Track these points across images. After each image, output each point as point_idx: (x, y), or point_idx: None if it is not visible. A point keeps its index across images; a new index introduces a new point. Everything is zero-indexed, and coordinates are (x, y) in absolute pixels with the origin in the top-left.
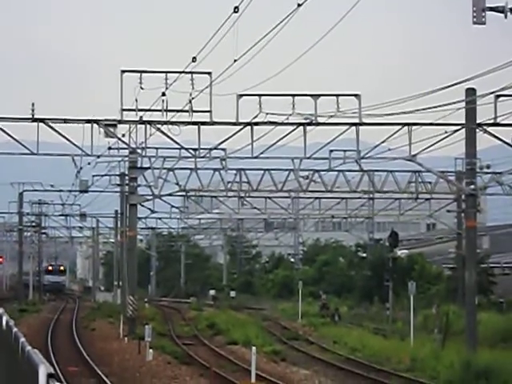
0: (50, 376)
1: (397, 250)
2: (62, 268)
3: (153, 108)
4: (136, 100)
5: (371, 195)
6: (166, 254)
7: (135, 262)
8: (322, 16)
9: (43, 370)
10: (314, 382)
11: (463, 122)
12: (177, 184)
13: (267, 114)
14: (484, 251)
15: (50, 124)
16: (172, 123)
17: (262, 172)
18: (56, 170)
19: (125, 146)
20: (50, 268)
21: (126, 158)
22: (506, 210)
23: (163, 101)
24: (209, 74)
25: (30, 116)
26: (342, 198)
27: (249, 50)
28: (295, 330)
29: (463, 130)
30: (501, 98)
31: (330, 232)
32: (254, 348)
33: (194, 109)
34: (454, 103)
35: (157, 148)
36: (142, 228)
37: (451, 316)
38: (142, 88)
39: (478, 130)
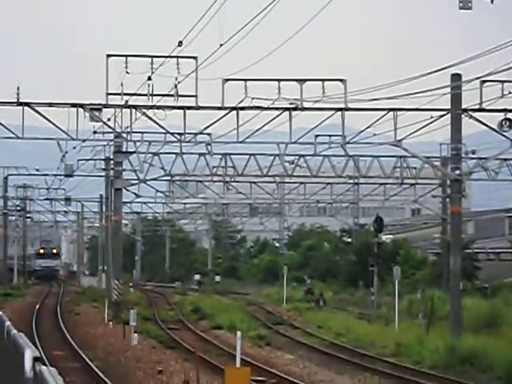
0: (35, 359)
1: (382, 235)
2: (54, 251)
3: (138, 92)
4: (121, 84)
5: (356, 180)
6: (150, 239)
7: (120, 246)
8: (309, 1)
9: (29, 353)
10: (299, 367)
11: (449, 107)
12: (162, 168)
13: (253, 98)
14: (469, 236)
15: (36, 108)
16: (157, 108)
17: (248, 157)
18: (41, 154)
19: (110, 130)
20: (42, 251)
21: (112, 143)
22: (491, 195)
23: (149, 85)
24: (194, 58)
25: (15, 100)
26: (327, 183)
27: (235, 35)
28: (280, 314)
29: (449, 115)
30: (486, 84)
31: (315, 217)
32: (238, 332)
33: (180, 93)
34: (440, 88)
35: (142, 132)
36: (127, 212)
37: (436, 301)
38: (127, 72)
39: (463, 116)
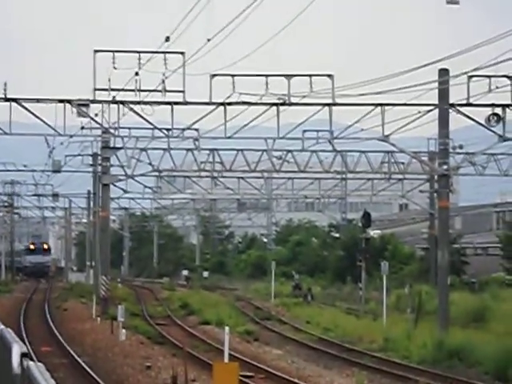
0: (23, 355)
1: (369, 231)
2: (45, 246)
3: (126, 88)
4: (109, 80)
5: (344, 175)
6: (138, 235)
7: (108, 242)
8: None
9: (17, 349)
10: (287, 362)
11: (436, 102)
12: (150, 164)
13: (240, 94)
14: (456, 231)
15: (23, 104)
16: (145, 103)
17: (235, 152)
18: (28, 150)
19: (97, 125)
20: (32, 247)
21: (99, 138)
22: (479, 190)
23: (136, 81)
24: (182, 53)
25: (3, 96)
26: (315, 179)
27: (222, 30)
28: (268, 310)
29: (436, 110)
30: (474, 79)
31: (302, 212)
32: (227, 328)
33: (167, 89)
34: (427, 83)
35: (130, 128)
36: (115, 208)
37: (424, 296)
38: (114, 68)
39: (450, 111)
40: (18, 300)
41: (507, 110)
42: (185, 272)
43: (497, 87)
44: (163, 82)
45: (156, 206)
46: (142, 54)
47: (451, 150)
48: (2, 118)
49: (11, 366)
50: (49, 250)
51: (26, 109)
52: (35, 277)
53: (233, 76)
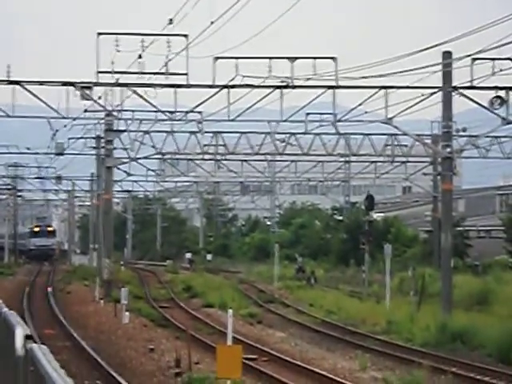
0: (27, 337)
1: (373, 213)
2: (50, 229)
3: (129, 70)
4: (112, 62)
5: (347, 158)
6: (142, 217)
7: (111, 224)
8: None
9: (20, 331)
10: (290, 344)
11: (440, 85)
12: (153, 147)
13: (244, 76)
14: (459, 214)
15: (26, 86)
16: (148, 86)
17: (239, 135)
18: (32, 133)
19: (101, 108)
20: (37, 229)
21: (102, 121)
22: (482, 173)
23: (139, 63)
24: (185, 36)
25: (6, 78)
26: (319, 161)
27: (226, 12)
28: (271, 292)
29: (439, 93)
30: (477, 61)
31: (306, 195)
32: (230, 310)
33: (171, 71)
34: (431, 66)
35: (133, 111)
36: (118, 191)
37: (427, 279)
38: (118, 50)
39: (454, 93)
40: (21, 283)
41: (511, 92)
42: (188, 255)
43: (500, 70)
44: (166, 64)
45: (159, 188)
46: (145, 37)
47: (454, 133)
48: (5, 100)
49: (14, 348)
50: (54, 232)
51: (29, 91)
52: (40, 260)
53: (236, 59)
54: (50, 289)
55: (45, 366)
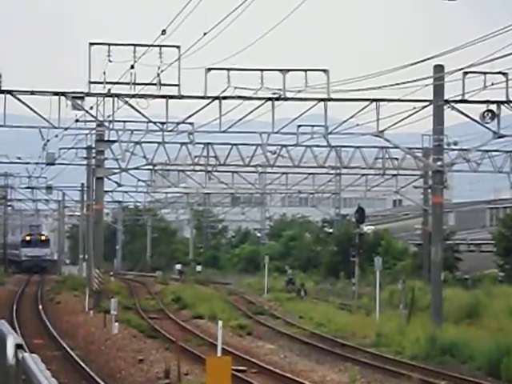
0: (18, 347)
1: (363, 226)
2: (43, 238)
3: (121, 81)
4: (104, 73)
5: (338, 171)
6: (132, 228)
7: (101, 235)
8: None
9: (11, 340)
10: (280, 356)
11: (431, 98)
12: (144, 157)
13: (235, 88)
14: (450, 228)
15: (17, 96)
16: (140, 96)
17: (230, 146)
18: (22, 143)
19: (92, 118)
20: (28, 238)
21: (93, 131)
22: (473, 186)
23: (131, 74)
24: (177, 47)
25: None
26: (309, 174)
27: (219, 24)
28: (261, 304)
29: (431, 106)
30: (469, 75)
31: (296, 207)
32: (220, 322)
33: (163, 82)
34: (422, 79)
35: (124, 121)
36: (109, 201)
37: (417, 292)
38: (110, 61)
39: (445, 107)
40: (10, 292)
41: (502, 106)
42: (178, 266)
43: (492, 84)
44: (158, 75)
45: (150, 199)
46: (137, 47)
47: (446, 146)
48: None
49: (6, 357)
50: (47, 241)
51: (21, 101)
52: (33, 272)
53: (228, 70)
54: (40, 306)
55: (37, 375)
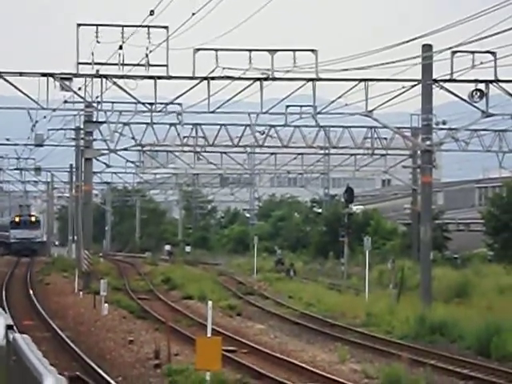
0: (8, 327)
1: (352, 206)
2: (33, 219)
3: (109, 62)
4: (92, 54)
5: (327, 151)
6: (121, 209)
7: (90, 216)
8: None
9: (2, 321)
10: (270, 337)
11: (420, 77)
12: (132, 138)
13: (224, 68)
14: (439, 207)
15: (5, 77)
16: (128, 77)
17: (218, 127)
18: (11, 124)
19: (80, 99)
20: (17, 220)
21: (82, 112)
22: (461, 166)
23: (120, 55)
24: (166, 28)
25: None
26: (298, 154)
27: (207, 4)
28: (250, 285)
29: (419, 85)
30: (457, 54)
31: (285, 187)
32: (209, 302)
33: (151, 63)
34: (411, 59)
35: (113, 102)
36: (98, 182)
37: (406, 271)
38: (98, 42)
39: (434, 86)
40: None
41: (490, 85)
42: (167, 247)
43: (481, 63)
44: (147, 56)
45: (138, 180)
46: (125, 28)
47: (434, 126)
48: None
49: None
50: (37, 222)
51: (9, 82)
52: (23, 255)
53: (216, 50)
54: (31, 291)
55: (28, 356)
